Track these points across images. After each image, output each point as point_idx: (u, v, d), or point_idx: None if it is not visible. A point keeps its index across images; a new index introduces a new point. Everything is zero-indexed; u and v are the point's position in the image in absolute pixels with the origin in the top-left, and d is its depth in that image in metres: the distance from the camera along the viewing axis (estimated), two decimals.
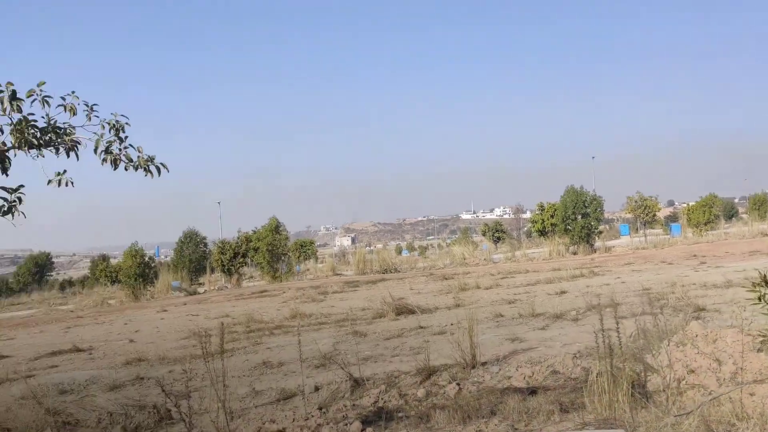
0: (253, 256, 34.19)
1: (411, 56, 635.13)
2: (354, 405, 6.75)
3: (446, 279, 22.71)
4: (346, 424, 6.00)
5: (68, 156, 3.92)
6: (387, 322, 12.61)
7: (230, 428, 5.39)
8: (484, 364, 7.80)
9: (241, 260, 34.47)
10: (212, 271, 36.69)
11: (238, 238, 35.46)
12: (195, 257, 39.24)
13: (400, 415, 6.26)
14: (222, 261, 34.38)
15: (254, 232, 34.48)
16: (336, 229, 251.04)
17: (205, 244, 40.88)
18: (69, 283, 58.31)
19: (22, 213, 3.84)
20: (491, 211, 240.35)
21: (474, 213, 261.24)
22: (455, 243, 55.99)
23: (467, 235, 69.63)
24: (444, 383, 7.26)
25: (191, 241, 40.01)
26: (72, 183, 3.84)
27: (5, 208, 3.83)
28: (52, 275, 66.12)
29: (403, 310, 13.29)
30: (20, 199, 3.83)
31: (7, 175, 3.83)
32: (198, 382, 8.59)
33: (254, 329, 13.62)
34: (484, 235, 62.58)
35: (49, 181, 3.83)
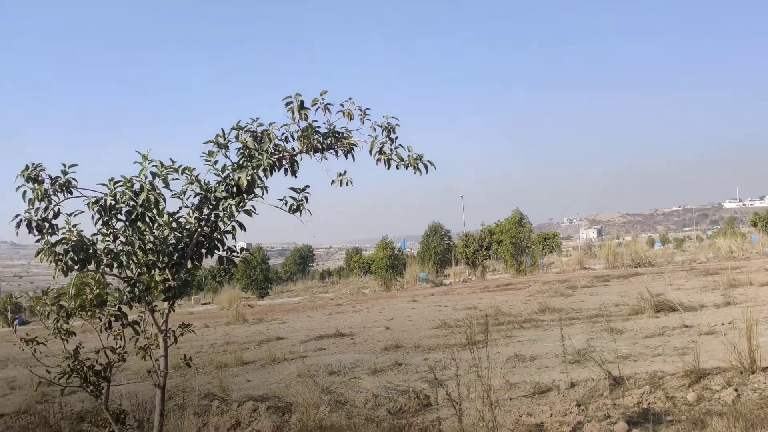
0: (496, 249, 34.35)
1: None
2: (615, 404, 6.45)
3: (710, 274, 20.70)
4: (610, 423, 5.76)
5: (346, 158, 4.30)
6: (645, 320, 11.85)
7: (489, 417, 5.46)
8: (765, 369, 6.96)
9: (484, 253, 34.81)
10: (456, 263, 37.58)
11: (482, 230, 35.86)
12: (440, 250, 40.52)
13: (669, 418, 5.85)
14: (466, 253, 35.02)
15: (497, 225, 34.62)
16: (580, 220, 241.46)
17: (449, 237, 42.02)
18: (327, 273, 63.72)
19: (308, 211, 4.31)
20: (761, 198, 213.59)
21: (740, 201, 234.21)
22: (718, 234, 50.77)
23: (733, 226, 62.76)
24: (717, 388, 6.63)
25: (436, 234, 41.40)
26: (351, 182, 4.21)
27: (294, 207, 4.32)
28: (313, 266, 72.68)
29: (663, 307, 12.38)
30: (306, 198, 4.31)
31: (296, 177, 4.32)
32: (452, 371, 8.83)
33: (502, 322, 13.66)
34: (754, 225, 55.75)
35: (332, 182, 4.24)
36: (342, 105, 4.21)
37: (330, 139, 4.22)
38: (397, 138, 4.23)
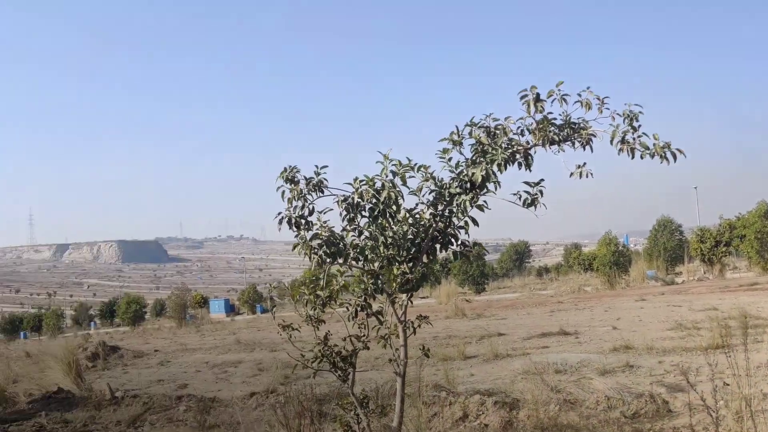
0: (737, 245, 31.05)
1: None
2: None
3: None
4: None
5: (584, 149, 4.16)
6: None
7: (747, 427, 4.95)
8: None
9: (723, 249, 31.63)
10: (690, 260, 34.64)
11: (720, 225, 32.63)
12: (670, 246, 37.65)
13: None
14: (701, 250, 32.10)
15: (739, 218, 31.28)
16: None
17: (681, 232, 38.88)
18: (545, 270, 62.26)
19: (543, 205, 4.24)
20: None
21: None
22: None
23: None
24: None
25: (666, 228, 38.53)
26: (591, 174, 4.06)
27: (528, 201, 4.28)
28: (529, 262, 71.45)
29: None
30: (541, 192, 4.25)
31: (530, 170, 4.27)
32: (691, 377, 8.18)
33: (751, 325, 12.32)
34: None
35: (571, 174, 4.12)
36: (579, 95, 4.07)
37: (566, 130, 4.11)
38: (640, 126, 4.00)
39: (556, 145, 4.13)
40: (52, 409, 10.03)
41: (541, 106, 4.05)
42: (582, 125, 4.11)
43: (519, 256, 66.54)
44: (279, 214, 4.38)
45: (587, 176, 4.07)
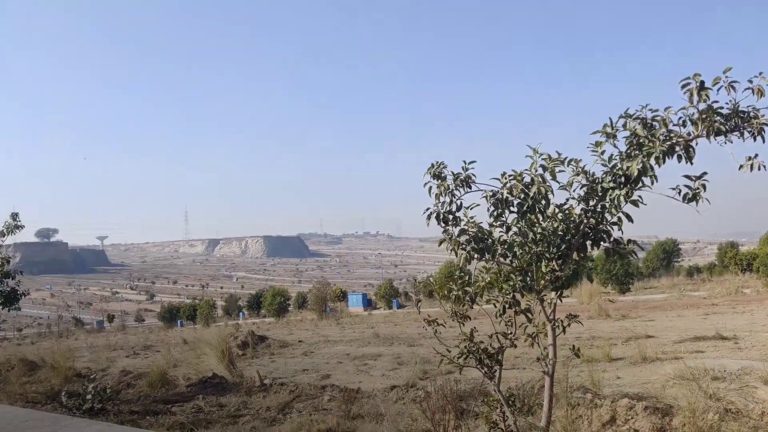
0: None
1: None
2: None
3: None
4: None
5: (754, 140, 3.83)
6: None
7: None
8: None
9: None
10: None
11: None
12: None
13: None
14: None
15: None
16: None
17: None
18: (696, 270, 58.22)
19: (706, 200, 3.95)
20: None
21: None
22: None
23: None
24: None
25: None
26: (765, 166, 3.73)
27: (689, 196, 4.01)
28: (678, 261, 67.07)
29: None
30: (704, 186, 3.95)
31: (691, 163, 4.00)
32: None
33: None
34: None
35: (741, 166, 3.80)
36: (750, 81, 3.74)
37: (734, 119, 3.80)
38: None
39: (723, 136, 3.83)
40: (207, 393, 10.75)
41: (706, 95, 3.77)
42: (753, 114, 3.78)
43: (667, 254, 62.61)
44: (427, 209, 4.42)
45: (759, 168, 3.74)
